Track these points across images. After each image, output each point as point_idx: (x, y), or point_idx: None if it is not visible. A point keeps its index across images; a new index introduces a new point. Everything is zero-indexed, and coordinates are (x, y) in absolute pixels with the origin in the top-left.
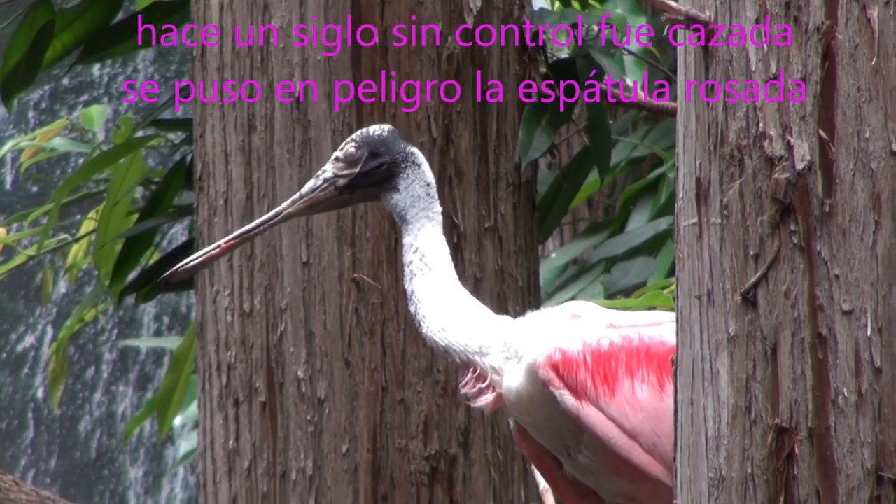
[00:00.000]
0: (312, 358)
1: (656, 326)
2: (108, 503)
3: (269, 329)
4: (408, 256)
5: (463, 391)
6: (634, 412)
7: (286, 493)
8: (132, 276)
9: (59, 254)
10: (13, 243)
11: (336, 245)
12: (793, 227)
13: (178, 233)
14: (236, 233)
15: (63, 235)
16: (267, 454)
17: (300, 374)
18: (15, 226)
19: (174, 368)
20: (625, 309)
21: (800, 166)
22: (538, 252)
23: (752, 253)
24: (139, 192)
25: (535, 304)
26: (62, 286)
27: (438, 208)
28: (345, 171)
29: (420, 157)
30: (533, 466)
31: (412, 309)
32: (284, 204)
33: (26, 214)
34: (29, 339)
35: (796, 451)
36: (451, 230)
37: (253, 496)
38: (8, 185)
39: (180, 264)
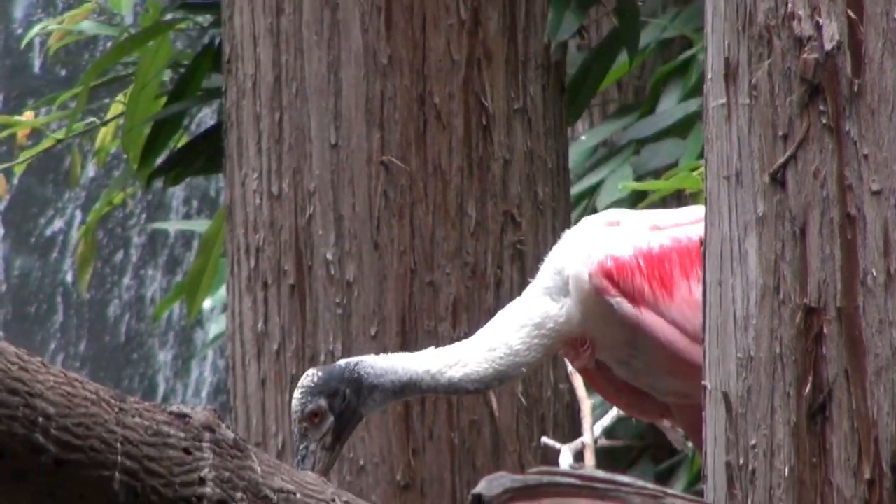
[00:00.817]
0: (341, 240)
1: (700, 223)
2: (137, 386)
3: (298, 212)
4: (440, 386)
5: (577, 367)
6: (694, 313)
7: None
8: (160, 159)
9: (88, 137)
10: (41, 127)
11: (365, 127)
12: (821, 108)
13: (206, 116)
14: None
15: (91, 119)
16: (296, 337)
17: (329, 256)
18: (43, 110)
19: (203, 251)
20: (654, 191)
21: (828, 46)
22: (567, 134)
23: (780, 133)
24: (167, 75)
25: (565, 185)
26: (90, 170)
27: (398, 355)
28: (323, 431)
29: (357, 358)
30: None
31: (496, 383)
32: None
33: (54, 98)
34: (57, 224)
35: (825, 330)
36: (481, 112)
37: (282, 379)
38: (36, 69)
39: None
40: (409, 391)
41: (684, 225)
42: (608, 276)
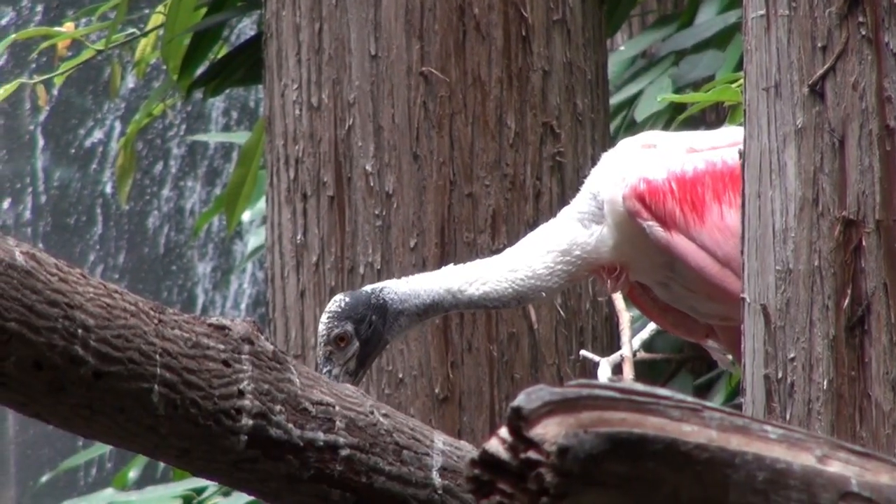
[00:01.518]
0: (380, 152)
1: (737, 146)
2: (176, 298)
3: (337, 123)
4: (462, 303)
5: (613, 294)
6: (725, 239)
7: (354, 287)
8: (200, 70)
9: (128, 48)
10: (82, 38)
11: (404, 38)
12: (861, 19)
13: (246, 27)
14: None
15: (131, 30)
16: (335, 248)
17: (368, 167)
18: (83, 20)
19: (242, 163)
20: (692, 103)
21: None
22: (606, 45)
23: (819, 45)
24: None
25: (604, 97)
26: (130, 81)
27: (421, 275)
28: (348, 356)
29: (381, 284)
30: None
31: (515, 304)
32: None
33: (94, 9)
34: (97, 134)
35: (864, 243)
36: (520, 23)
37: (320, 290)
38: None
39: None
40: (432, 312)
41: (721, 148)
42: (641, 199)
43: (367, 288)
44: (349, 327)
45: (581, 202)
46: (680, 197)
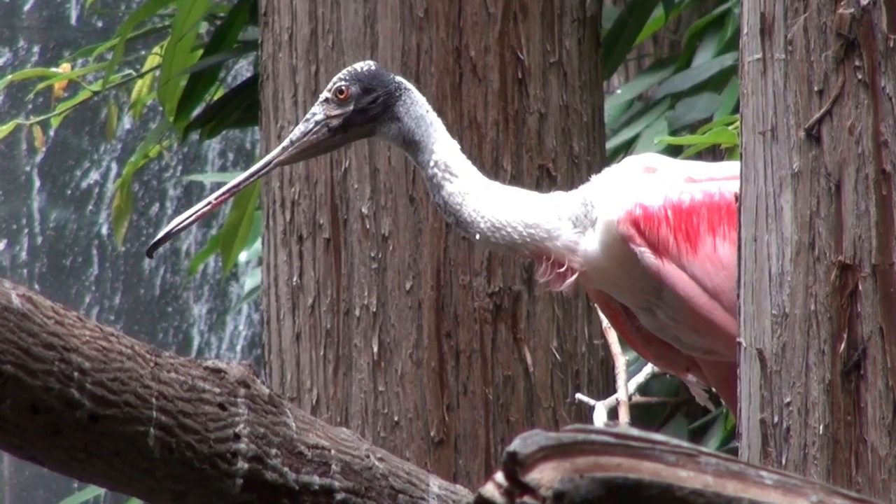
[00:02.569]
0: (377, 194)
1: (736, 180)
2: (172, 340)
3: (334, 165)
4: (429, 171)
5: (542, 280)
6: (716, 270)
7: (350, 330)
8: (197, 111)
9: (124, 89)
10: (78, 79)
11: None
12: (857, 63)
13: (242, 68)
14: (225, 188)
15: (128, 71)
16: (331, 290)
17: (364, 210)
18: (80, 61)
19: (238, 205)
20: (689, 145)
21: (864, 1)
22: (603, 87)
23: (816, 88)
24: (204, 27)
25: (600, 140)
26: (127, 122)
27: (440, 121)
28: (337, 112)
29: (408, 83)
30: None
31: (451, 219)
32: (274, 152)
33: (91, 49)
34: (94, 175)
35: (860, 287)
36: (517, 66)
37: (316, 332)
38: (73, 21)
39: (169, 228)
40: (411, 151)
41: (719, 180)
42: (635, 224)
43: (398, 78)
44: (356, 88)
45: (572, 203)
46: (675, 225)
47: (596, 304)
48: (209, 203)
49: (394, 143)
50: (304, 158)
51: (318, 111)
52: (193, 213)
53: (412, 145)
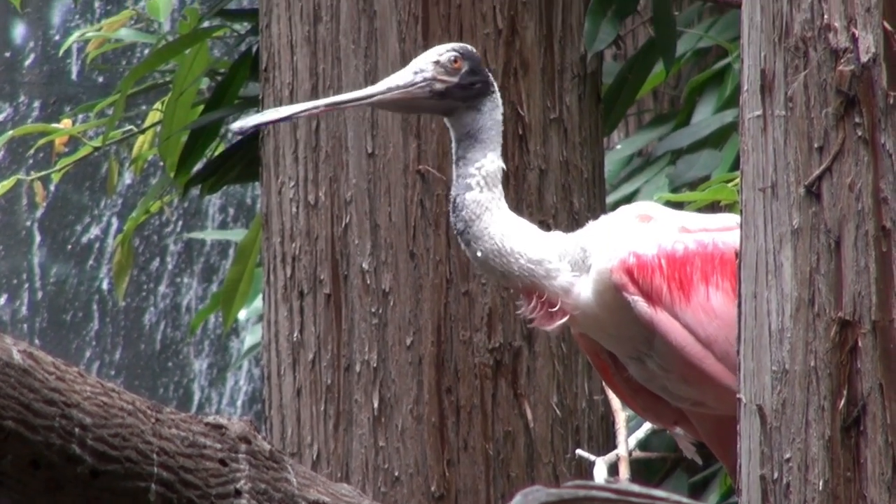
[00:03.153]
0: (377, 250)
1: (729, 231)
2: (173, 395)
3: (334, 221)
4: (469, 170)
5: (529, 317)
6: (709, 320)
7: (350, 386)
8: (197, 167)
9: (125, 145)
10: (79, 134)
11: (401, 136)
12: (857, 120)
13: None
14: (325, 101)
15: (129, 127)
16: (331, 346)
17: (365, 265)
18: (81, 117)
19: (239, 260)
20: (689, 202)
21: (864, 58)
22: (603, 144)
23: (816, 145)
24: (205, 83)
25: (600, 196)
26: (127, 177)
27: (500, 123)
28: (444, 77)
29: (496, 89)
30: None
31: (461, 225)
32: (378, 87)
33: (92, 105)
34: (94, 231)
35: (860, 344)
36: (517, 122)
37: (317, 388)
38: (74, 76)
39: (260, 119)
40: (466, 144)
41: (712, 231)
42: (629, 272)
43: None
44: (466, 65)
45: (571, 246)
46: (668, 274)
47: (583, 351)
48: (307, 110)
49: (459, 130)
50: (394, 109)
51: (426, 69)
52: (287, 111)
53: (473, 141)
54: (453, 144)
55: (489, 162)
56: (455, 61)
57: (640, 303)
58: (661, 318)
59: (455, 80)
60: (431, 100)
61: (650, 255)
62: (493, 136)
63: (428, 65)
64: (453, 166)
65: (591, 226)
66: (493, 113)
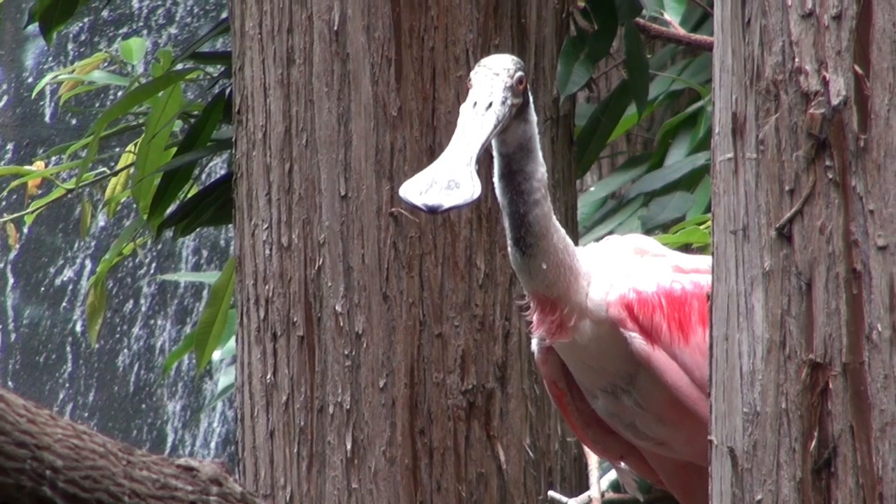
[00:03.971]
0: (350, 292)
1: None
2: (146, 437)
3: (308, 263)
4: (532, 183)
5: (538, 329)
6: (705, 361)
7: (323, 427)
8: (171, 209)
9: (98, 187)
10: (52, 176)
11: (374, 179)
12: (828, 163)
13: (216, 166)
14: (464, 148)
15: (102, 169)
16: (305, 388)
17: (338, 308)
18: (54, 159)
19: (213, 302)
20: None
21: (835, 101)
22: (576, 186)
23: (787, 188)
24: (178, 125)
25: (574, 237)
26: (101, 220)
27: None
28: (516, 101)
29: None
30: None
31: (532, 240)
32: (483, 130)
33: (65, 148)
34: (68, 273)
35: (830, 386)
36: (490, 164)
37: (290, 430)
38: (47, 118)
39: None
40: (520, 155)
41: (703, 272)
42: (628, 308)
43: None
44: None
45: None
46: (668, 313)
47: (542, 375)
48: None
49: (510, 145)
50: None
51: (506, 96)
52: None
53: (526, 152)
54: (499, 161)
55: (543, 170)
56: (521, 82)
57: (637, 339)
58: (658, 357)
59: (520, 99)
60: (511, 121)
61: (650, 293)
62: (538, 145)
63: (503, 91)
64: (500, 181)
65: (584, 252)
66: (535, 119)
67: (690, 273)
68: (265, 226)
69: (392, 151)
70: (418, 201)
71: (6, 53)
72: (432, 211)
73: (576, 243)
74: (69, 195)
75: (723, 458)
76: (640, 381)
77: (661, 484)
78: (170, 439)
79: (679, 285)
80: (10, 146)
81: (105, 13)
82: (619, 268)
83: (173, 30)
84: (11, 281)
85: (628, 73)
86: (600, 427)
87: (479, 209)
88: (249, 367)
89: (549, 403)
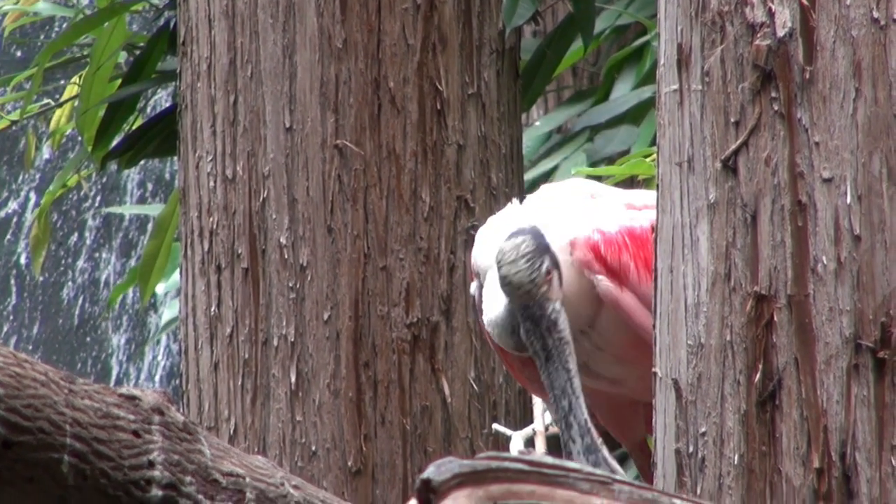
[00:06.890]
0: (295, 224)
1: None
2: (91, 370)
3: (252, 195)
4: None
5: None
6: None
7: (268, 360)
8: (115, 141)
9: (43, 119)
10: None
11: (319, 111)
12: (773, 94)
13: (161, 98)
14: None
15: (46, 100)
16: (249, 320)
17: (283, 240)
18: None
19: (157, 235)
20: (607, 176)
21: (781, 33)
22: (521, 119)
23: (732, 120)
24: (123, 56)
25: (518, 171)
26: (45, 151)
27: None
28: (557, 288)
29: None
30: None
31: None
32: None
33: (9, 79)
34: (12, 205)
35: (775, 318)
36: (435, 97)
37: (234, 362)
38: None
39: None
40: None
41: (653, 208)
42: (594, 250)
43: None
44: (548, 260)
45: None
46: (634, 252)
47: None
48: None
49: None
50: None
51: (553, 307)
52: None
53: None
54: None
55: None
56: (549, 273)
57: (604, 281)
58: (626, 298)
59: (557, 273)
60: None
61: (614, 232)
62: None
63: (551, 305)
64: None
65: (533, 200)
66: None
67: (643, 210)
68: (209, 158)
69: (337, 83)
70: None
71: None
72: None
73: (521, 178)
74: (13, 127)
75: (667, 390)
76: (600, 323)
77: (594, 419)
78: (114, 372)
79: (637, 223)
80: None
81: None
82: (579, 211)
83: None
84: None
85: (574, 7)
86: (535, 367)
87: (424, 141)
88: (193, 300)
89: None
